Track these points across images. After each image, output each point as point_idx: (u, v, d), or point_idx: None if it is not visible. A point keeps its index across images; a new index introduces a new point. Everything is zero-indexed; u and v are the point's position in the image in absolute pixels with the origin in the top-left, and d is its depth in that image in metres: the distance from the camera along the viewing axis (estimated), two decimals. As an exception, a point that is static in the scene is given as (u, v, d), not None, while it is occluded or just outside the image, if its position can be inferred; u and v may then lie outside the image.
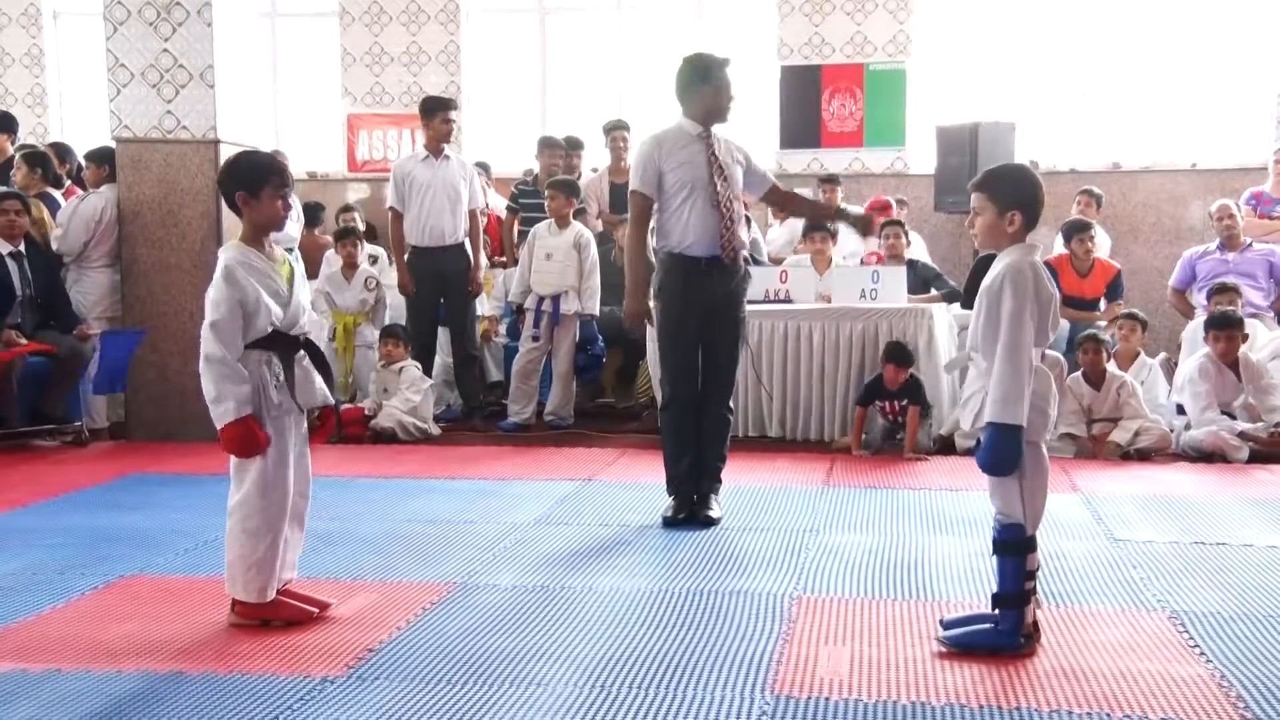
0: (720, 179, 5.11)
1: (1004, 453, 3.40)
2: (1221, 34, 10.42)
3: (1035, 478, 3.50)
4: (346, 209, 9.82)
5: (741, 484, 5.77)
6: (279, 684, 3.30)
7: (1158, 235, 10.12)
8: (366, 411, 7.54)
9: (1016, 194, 3.54)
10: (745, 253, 5.29)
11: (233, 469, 3.84)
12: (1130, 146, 10.44)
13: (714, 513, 5.23)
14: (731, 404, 5.44)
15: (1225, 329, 6.80)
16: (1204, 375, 6.78)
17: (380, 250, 9.24)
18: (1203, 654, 3.49)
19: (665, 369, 5.40)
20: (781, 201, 5.88)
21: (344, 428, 7.47)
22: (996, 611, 3.52)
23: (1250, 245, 8.20)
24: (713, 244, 5.11)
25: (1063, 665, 3.42)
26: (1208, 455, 6.57)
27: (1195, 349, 7.43)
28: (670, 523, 5.16)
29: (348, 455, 7.00)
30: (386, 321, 8.28)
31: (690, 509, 5.22)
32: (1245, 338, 6.91)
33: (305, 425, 3.96)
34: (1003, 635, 3.49)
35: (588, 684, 3.30)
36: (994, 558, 3.54)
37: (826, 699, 3.17)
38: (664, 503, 5.33)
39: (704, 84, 5.19)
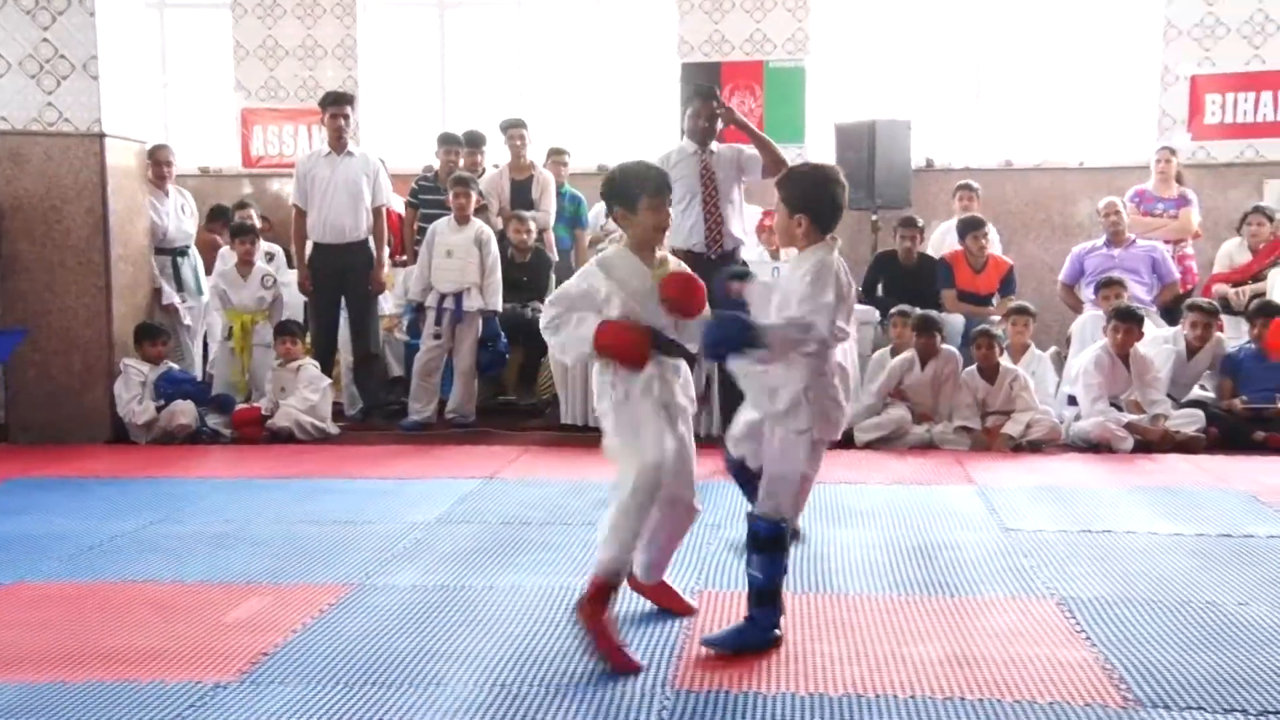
0: (709, 189, 6.40)
1: (725, 335, 3.33)
2: (1107, 37, 10.71)
3: (814, 470, 3.51)
4: (242, 205, 9.60)
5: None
6: (168, 691, 3.21)
7: (1048, 231, 10.37)
8: (263, 411, 7.40)
9: (804, 197, 3.54)
10: (737, 248, 6.54)
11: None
12: (1021, 145, 10.68)
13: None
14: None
15: (1127, 321, 7.00)
16: (1099, 367, 6.97)
17: (277, 248, 9.06)
18: (1088, 638, 3.58)
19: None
20: (769, 164, 6.48)
21: (240, 428, 7.32)
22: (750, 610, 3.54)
23: (1134, 241, 8.46)
24: (700, 241, 6.39)
25: (955, 653, 3.48)
26: (1095, 446, 6.76)
27: (1085, 342, 7.64)
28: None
29: (243, 456, 6.86)
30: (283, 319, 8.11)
31: None
32: (1141, 334, 7.12)
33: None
34: (763, 630, 3.51)
35: (488, 683, 3.27)
36: (756, 556, 3.49)
37: (727, 692, 3.19)
38: (569, 499, 5.30)
39: (685, 109, 6.61)
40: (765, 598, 3.53)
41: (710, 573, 4.36)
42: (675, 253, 5.61)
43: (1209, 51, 10.31)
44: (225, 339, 8.07)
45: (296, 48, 11.26)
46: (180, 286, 8.09)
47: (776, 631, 3.54)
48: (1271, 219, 8.78)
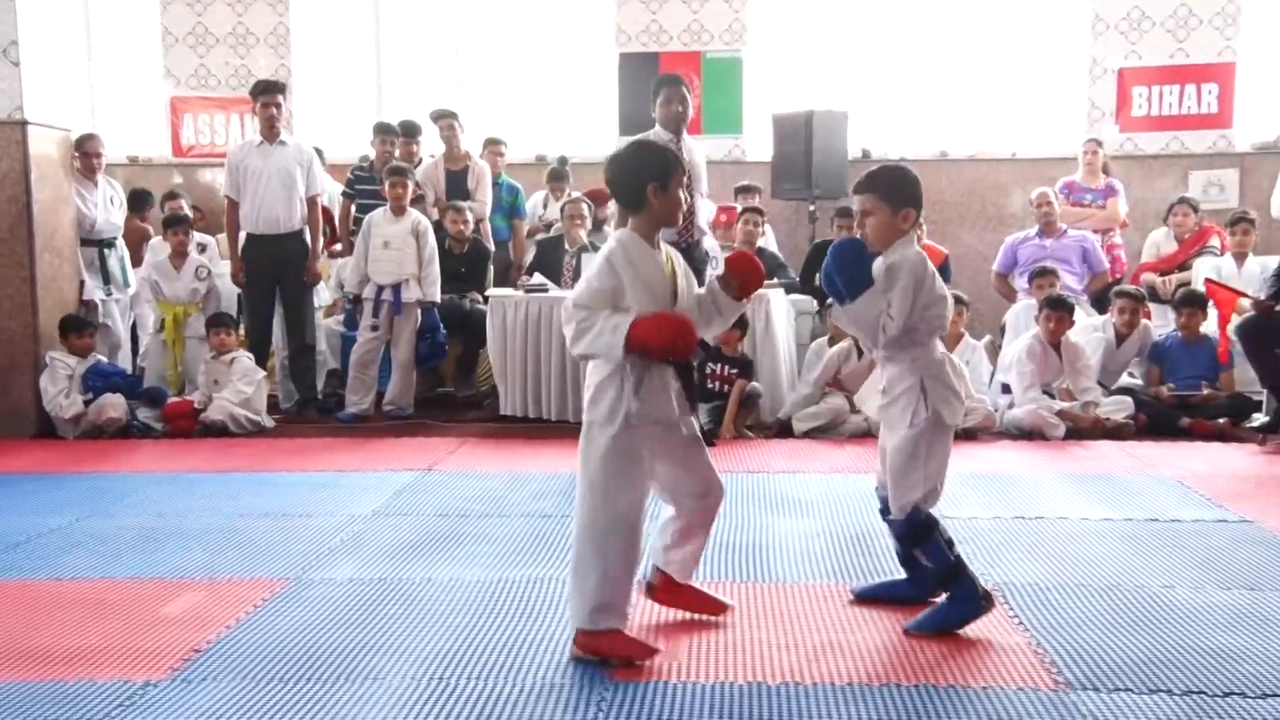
0: (687, 174, 6.11)
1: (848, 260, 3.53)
2: (1038, 30, 10.86)
3: (943, 463, 3.60)
4: (172, 196, 9.43)
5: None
6: (95, 690, 3.15)
7: (982, 222, 10.51)
8: (196, 404, 7.28)
9: (906, 193, 3.60)
10: (703, 238, 6.53)
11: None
12: (956, 136, 10.80)
13: None
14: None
15: (1058, 310, 7.11)
16: (1031, 355, 7.07)
17: (210, 239, 8.92)
18: (1021, 623, 3.64)
19: None
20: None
21: (172, 421, 7.20)
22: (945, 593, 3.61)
23: (1066, 231, 8.59)
24: (673, 230, 5.81)
25: (890, 640, 3.52)
26: (1028, 433, 6.87)
27: (1018, 331, 7.75)
28: None
29: (175, 450, 6.75)
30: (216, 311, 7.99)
31: None
32: (1072, 322, 7.23)
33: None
34: (963, 603, 3.56)
35: (426, 676, 3.25)
36: (916, 549, 3.60)
37: (665, 682, 3.19)
38: (507, 491, 5.27)
39: (655, 98, 6.36)
40: (949, 578, 3.58)
41: (647, 564, 4.35)
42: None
43: (1135, 45, 10.50)
44: (157, 331, 7.93)
45: (227, 35, 11.08)
46: (107, 279, 7.93)
47: (980, 601, 3.54)
48: (1196, 209, 8.97)
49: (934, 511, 3.63)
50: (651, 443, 3.42)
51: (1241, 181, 10.34)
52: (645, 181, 3.40)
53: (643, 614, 3.74)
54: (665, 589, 3.76)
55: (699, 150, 6.58)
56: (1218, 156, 10.44)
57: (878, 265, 3.57)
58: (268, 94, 7.64)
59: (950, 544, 3.60)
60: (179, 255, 7.96)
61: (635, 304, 3.30)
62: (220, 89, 11.06)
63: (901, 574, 3.81)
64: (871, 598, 3.85)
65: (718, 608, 3.76)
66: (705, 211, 8.35)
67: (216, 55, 11.09)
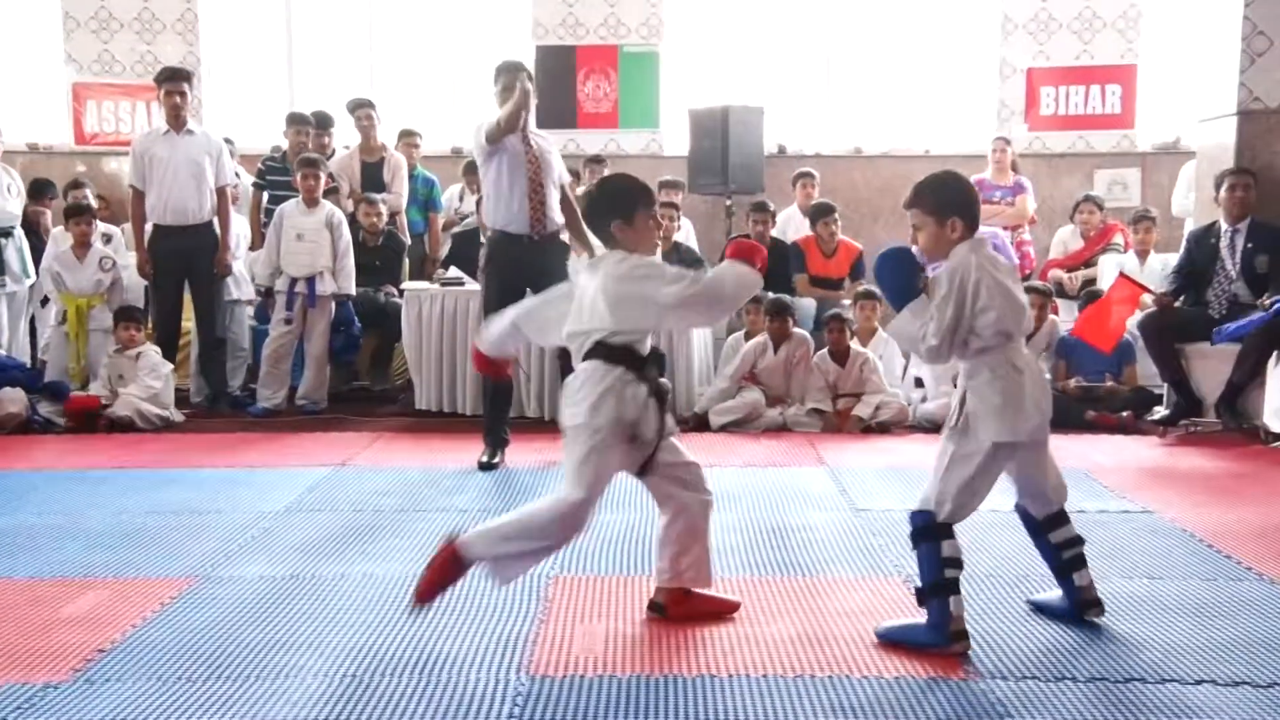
0: (534, 168, 5.83)
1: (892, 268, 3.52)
2: (950, 29, 11.04)
3: (966, 476, 3.43)
4: (76, 185, 9.17)
5: (507, 465, 5.74)
6: (-5, 694, 3.05)
7: (896, 218, 10.60)
8: (101, 399, 7.09)
9: (953, 202, 3.51)
10: (558, 230, 6.00)
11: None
12: (870, 133, 10.94)
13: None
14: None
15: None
16: (942, 349, 7.17)
17: (116, 229, 8.69)
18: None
19: None
20: (566, 219, 6.06)
21: (75, 417, 7.01)
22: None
23: (977, 228, 8.73)
24: (524, 223, 5.85)
25: (807, 632, 3.55)
26: (940, 426, 6.96)
27: (930, 326, 7.86)
28: (484, 467, 5.82)
29: (79, 446, 6.57)
30: (124, 304, 7.79)
31: (500, 456, 5.93)
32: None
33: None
34: (927, 632, 3.40)
35: (338, 673, 3.20)
36: (915, 550, 3.52)
37: (581, 677, 3.19)
38: (423, 485, 5.25)
39: (495, 85, 5.88)
40: (920, 593, 3.45)
41: (566, 558, 4.34)
42: (493, 234, 5.92)
43: (1043, 46, 10.73)
44: (59, 324, 7.71)
45: (132, 20, 10.80)
46: (2, 269, 7.67)
47: (945, 636, 3.36)
48: (1101, 207, 9.20)
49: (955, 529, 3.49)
50: (628, 454, 3.53)
51: (1143, 180, 10.63)
52: (609, 221, 3.63)
53: (578, 611, 3.72)
54: (676, 603, 3.67)
55: (546, 139, 6.07)
56: (1121, 156, 10.72)
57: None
58: (171, 82, 7.44)
59: (950, 563, 3.44)
60: (81, 246, 7.75)
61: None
62: (125, 75, 10.78)
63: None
64: None
65: (731, 607, 3.73)
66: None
67: (121, 41, 10.80)
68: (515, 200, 5.86)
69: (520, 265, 5.77)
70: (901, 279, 3.49)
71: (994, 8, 10.77)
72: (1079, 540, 3.64)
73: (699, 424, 7.09)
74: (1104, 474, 5.77)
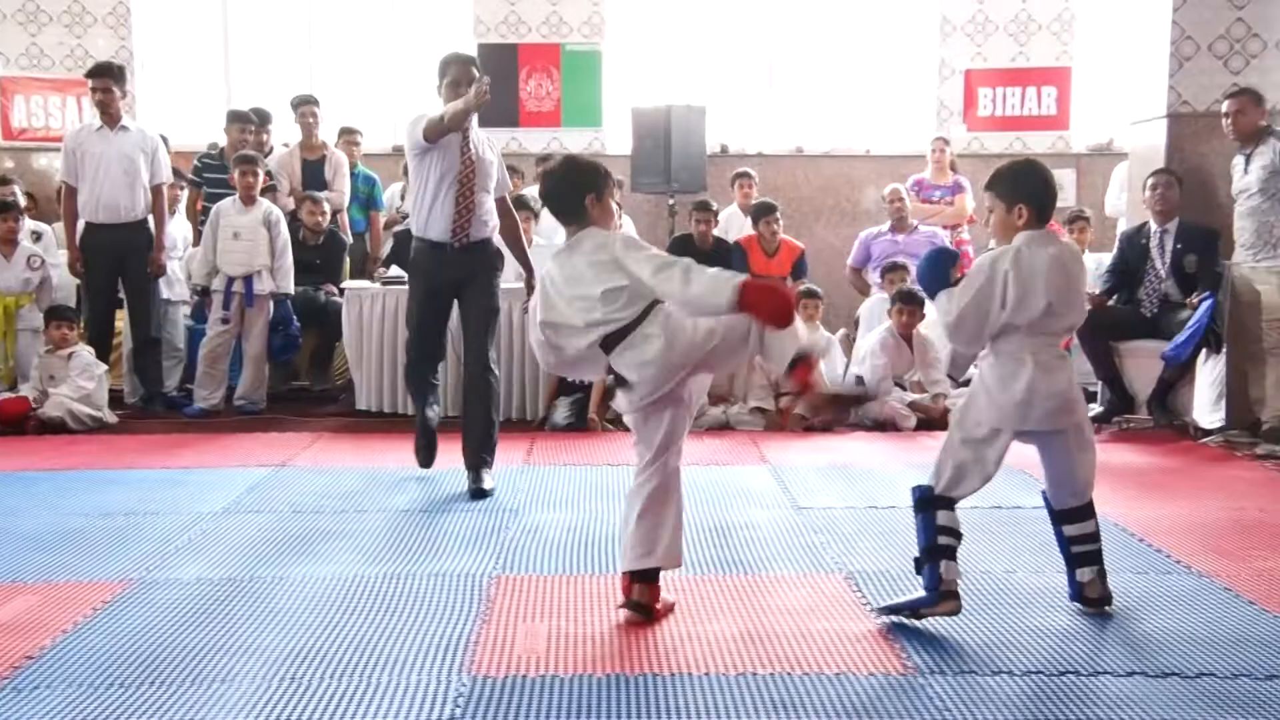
0: (467, 172, 5.30)
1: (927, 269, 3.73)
2: (890, 30, 11.14)
3: (957, 453, 3.61)
4: (3, 181, 8.97)
5: (441, 465, 5.70)
6: (-80, 703, 2.98)
7: (837, 217, 10.73)
8: (32, 401, 6.94)
9: (1024, 188, 3.61)
10: (488, 238, 5.46)
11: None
12: (812, 133, 11.00)
13: (485, 484, 5.33)
14: (494, 371, 5.51)
15: (909, 304, 7.31)
16: (884, 348, 7.26)
17: (46, 227, 8.52)
18: (873, 611, 3.73)
19: (410, 343, 5.63)
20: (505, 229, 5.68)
21: (4, 419, 6.85)
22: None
23: (917, 227, 8.84)
24: (445, 231, 5.32)
25: (749, 629, 3.57)
26: (881, 424, 7.04)
27: (871, 324, 7.94)
28: (424, 464, 5.60)
29: (8, 448, 6.42)
30: (55, 303, 7.63)
31: (433, 454, 5.62)
32: (923, 315, 7.44)
33: None
34: (921, 592, 3.59)
35: (277, 676, 3.17)
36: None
37: (524, 677, 3.18)
38: (363, 486, 5.20)
39: (441, 79, 5.38)
40: (919, 561, 3.60)
41: (509, 558, 4.34)
42: (417, 240, 5.42)
43: (980, 47, 10.86)
44: (-14, 323, 7.54)
45: (62, 13, 10.57)
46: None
47: (936, 594, 3.54)
48: (1038, 208, 9.31)
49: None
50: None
51: (1078, 181, 10.80)
52: (584, 195, 3.68)
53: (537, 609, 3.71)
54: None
55: (489, 145, 5.49)
56: (1056, 157, 10.85)
57: None
58: (99, 78, 7.29)
59: (944, 531, 3.60)
60: (8, 243, 7.58)
61: None
62: (55, 70, 10.55)
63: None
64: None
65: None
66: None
67: (50, 34, 10.57)
68: (439, 205, 5.30)
69: (442, 275, 5.38)
70: (934, 273, 3.69)
71: (933, 9, 10.88)
72: (1093, 538, 3.70)
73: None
74: (1040, 470, 5.81)
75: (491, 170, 5.44)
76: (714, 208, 8.78)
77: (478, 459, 5.39)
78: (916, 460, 6.16)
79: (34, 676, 3.16)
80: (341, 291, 7.73)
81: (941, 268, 3.69)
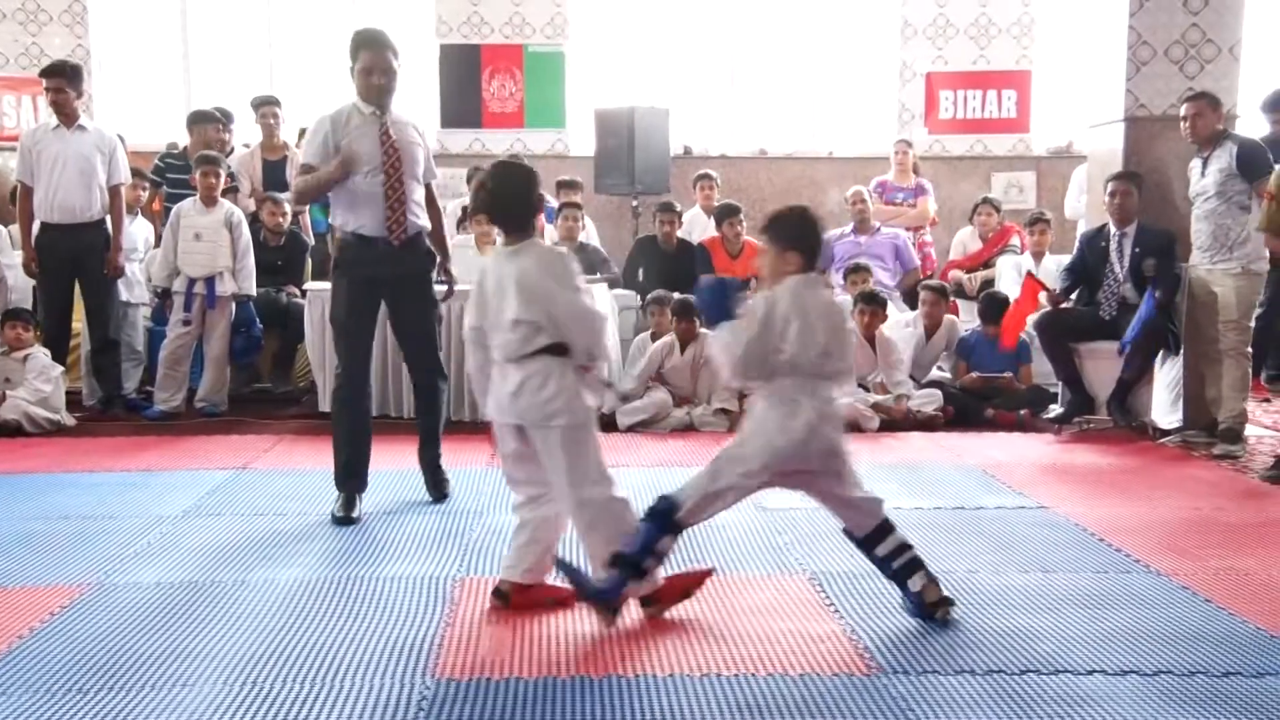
0: (392, 160, 4.89)
1: (712, 299, 3.67)
2: (852, 33, 11.21)
3: (724, 486, 3.59)
4: (-43, 182, 8.85)
5: (405, 467, 5.67)
6: (-128, 711, 2.93)
7: (800, 219, 10.77)
8: (-13, 404, 6.84)
9: (791, 236, 3.66)
10: (420, 233, 5.07)
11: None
12: (775, 135, 11.05)
13: (447, 489, 5.28)
14: (443, 376, 5.30)
15: (871, 305, 7.35)
16: (846, 350, 7.28)
17: (0, 227, 8.40)
18: (837, 611, 3.75)
19: (338, 348, 5.13)
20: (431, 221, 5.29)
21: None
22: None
23: (879, 229, 8.90)
24: (379, 226, 4.91)
25: (713, 630, 3.58)
26: (845, 425, 7.06)
27: (833, 326, 7.96)
28: (341, 522, 4.84)
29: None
30: (10, 304, 7.54)
31: (359, 506, 4.98)
32: (885, 316, 7.48)
33: None
34: (604, 584, 3.57)
35: (238, 681, 3.14)
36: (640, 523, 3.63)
37: (488, 679, 3.17)
38: (326, 488, 5.12)
39: (352, 63, 4.95)
40: (620, 561, 3.56)
41: (472, 560, 4.32)
42: (343, 235, 5.00)
43: (941, 50, 10.95)
44: (-61, 324, 7.42)
45: (16, 10, 10.45)
46: None
47: (615, 607, 3.58)
48: (999, 210, 9.42)
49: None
50: None
51: (1038, 184, 10.92)
52: (531, 209, 3.72)
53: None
54: (520, 592, 3.75)
55: (413, 129, 5.08)
56: (1017, 159, 10.99)
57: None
58: (52, 78, 7.19)
59: (654, 554, 3.62)
60: (-36, 244, 7.48)
61: None
62: (9, 68, 10.42)
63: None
64: None
65: (567, 594, 3.77)
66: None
67: (4, 32, 10.45)
68: (365, 198, 4.90)
69: (375, 273, 4.94)
70: (718, 304, 3.64)
71: (894, 12, 10.96)
72: (906, 546, 3.69)
73: (606, 424, 7.07)
74: (1001, 470, 5.90)
75: (418, 155, 5.04)
76: (678, 209, 8.80)
77: (436, 463, 5.30)
78: (881, 460, 6.20)
79: (-10, 683, 3.12)
80: (303, 293, 7.67)
81: (724, 298, 3.65)
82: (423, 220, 5.09)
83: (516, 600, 3.74)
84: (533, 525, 3.77)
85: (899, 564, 3.68)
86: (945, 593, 3.69)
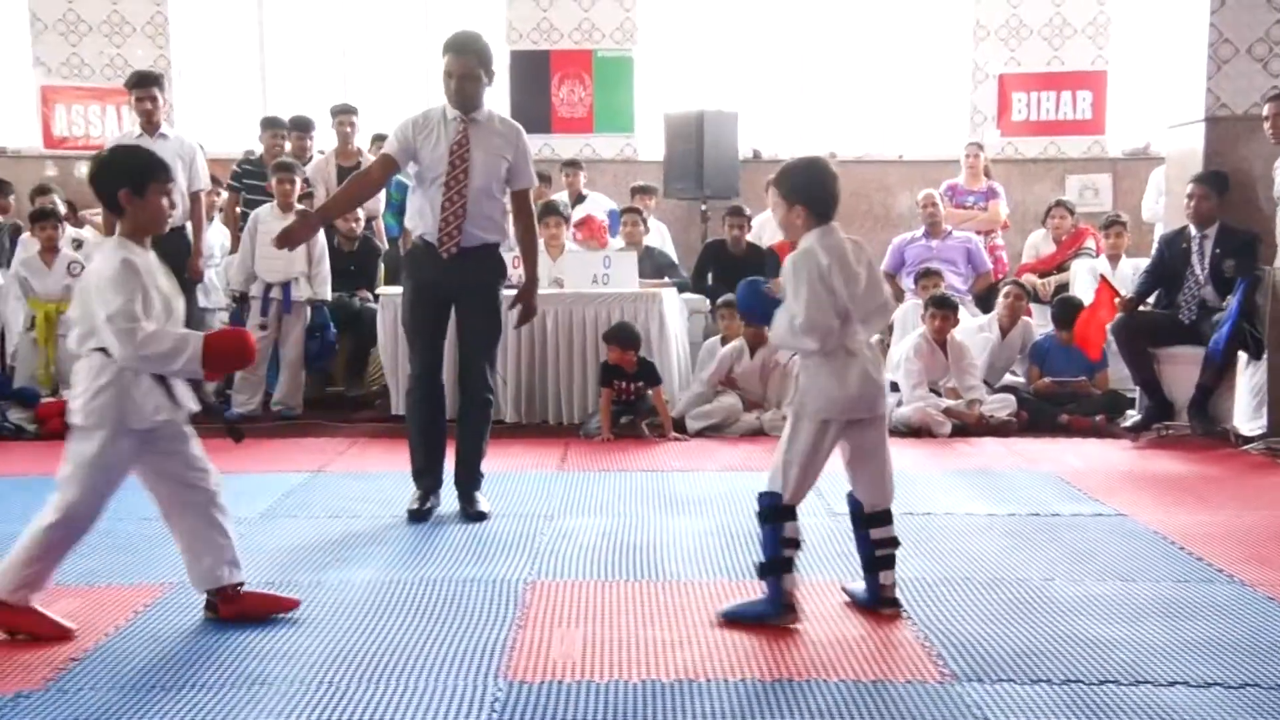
0: (456, 171, 4.85)
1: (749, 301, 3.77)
2: (923, 35, 11.11)
3: (802, 451, 3.63)
4: (44, 190, 9.09)
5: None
6: (-35, 704, 3.02)
7: (870, 222, 10.69)
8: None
9: (799, 189, 3.67)
10: (485, 245, 4.97)
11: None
12: (844, 138, 10.98)
13: (482, 507, 5.05)
14: (489, 395, 5.13)
15: (943, 309, 7.28)
16: (918, 354, 7.22)
17: (86, 234, 8.62)
18: (909, 617, 3.71)
19: (410, 351, 5.21)
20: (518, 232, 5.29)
21: (44, 422, 6.94)
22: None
23: (950, 233, 8.80)
24: (434, 232, 4.90)
25: (785, 635, 3.56)
26: (916, 430, 7.00)
27: (905, 330, 7.90)
28: (416, 515, 4.95)
29: (49, 452, 6.45)
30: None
31: (434, 501, 5.07)
32: (957, 320, 7.41)
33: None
34: (764, 604, 3.63)
35: (315, 681, 3.19)
36: (759, 529, 3.70)
37: (559, 682, 3.18)
38: (399, 491, 5.20)
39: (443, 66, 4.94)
40: (761, 569, 3.64)
41: (543, 563, 4.35)
42: (415, 241, 5.03)
43: (1014, 52, 10.81)
44: (27, 329, 7.63)
45: (101, 23, 10.73)
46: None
47: (780, 607, 3.59)
48: (1072, 212, 9.29)
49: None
50: (145, 448, 3.57)
51: (1114, 186, 10.73)
52: (117, 187, 3.49)
53: (560, 614, 3.72)
54: (227, 602, 3.69)
55: (503, 136, 4.99)
56: (1092, 161, 10.81)
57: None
58: (142, 87, 7.38)
59: (789, 544, 3.63)
60: (49, 251, 7.69)
61: (151, 314, 3.43)
62: (94, 79, 10.70)
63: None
64: None
65: (289, 604, 3.74)
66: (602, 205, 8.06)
67: (90, 44, 10.73)
68: (428, 203, 4.90)
69: (437, 280, 4.93)
70: (757, 298, 3.72)
71: (966, 14, 10.84)
72: (895, 543, 3.78)
73: (676, 428, 7.08)
74: (1077, 477, 5.80)
75: (498, 167, 4.92)
76: (747, 213, 8.78)
77: (471, 483, 5.12)
78: (953, 465, 6.14)
79: (79, 678, 3.20)
80: (376, 297, 7.78)
81: (760, 292, 3.72)
82: (491, 233, 4.97)
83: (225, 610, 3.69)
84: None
85: (884, 554, 3.76)
86: (895, 595, 3.77)
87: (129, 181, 3.46)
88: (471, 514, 5.02)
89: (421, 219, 4.96)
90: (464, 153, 4.88)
